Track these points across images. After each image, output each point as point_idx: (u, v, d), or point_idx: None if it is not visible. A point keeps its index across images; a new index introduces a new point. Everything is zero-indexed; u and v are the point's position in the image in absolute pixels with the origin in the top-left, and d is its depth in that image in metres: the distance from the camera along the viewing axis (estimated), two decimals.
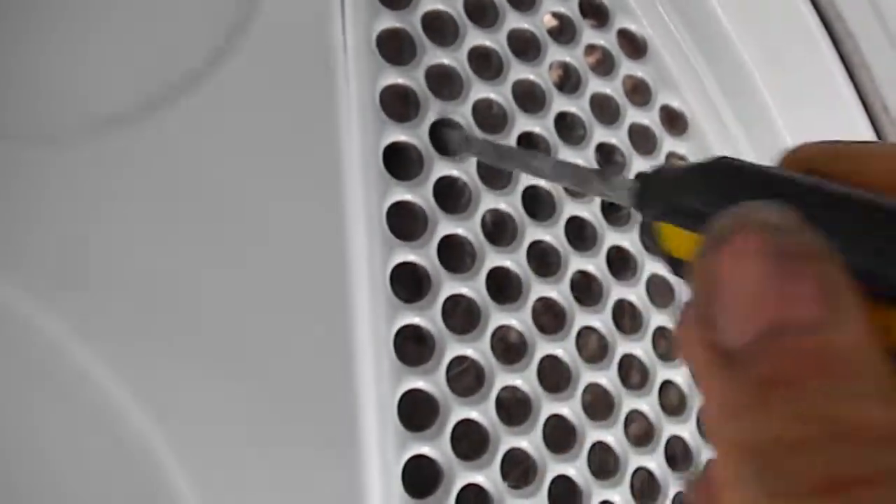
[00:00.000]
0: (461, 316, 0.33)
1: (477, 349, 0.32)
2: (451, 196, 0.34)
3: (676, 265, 0.19)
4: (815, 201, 0.15)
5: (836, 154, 0.17)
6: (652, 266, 0.38)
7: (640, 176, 0.21)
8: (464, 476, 0.31)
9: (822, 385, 0.12)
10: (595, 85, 0.39)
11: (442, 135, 0.34)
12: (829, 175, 0.16)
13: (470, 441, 0.32)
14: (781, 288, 0.13)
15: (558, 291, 0.35)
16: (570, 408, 0.34)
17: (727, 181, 0.17)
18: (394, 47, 0.35)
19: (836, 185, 0.15)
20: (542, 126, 0.37)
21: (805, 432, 0.12)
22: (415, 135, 0.33)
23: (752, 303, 0.13)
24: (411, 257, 0.32)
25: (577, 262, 0.36)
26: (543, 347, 0.34)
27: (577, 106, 0.38)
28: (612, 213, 0.38)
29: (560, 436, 0.34)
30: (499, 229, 0.35)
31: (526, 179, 0.35)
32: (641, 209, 0.21)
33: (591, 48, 0.40)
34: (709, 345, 0.13)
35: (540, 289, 0.34)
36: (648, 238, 0.20)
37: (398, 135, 0.33)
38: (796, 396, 0.12)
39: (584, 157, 0.37)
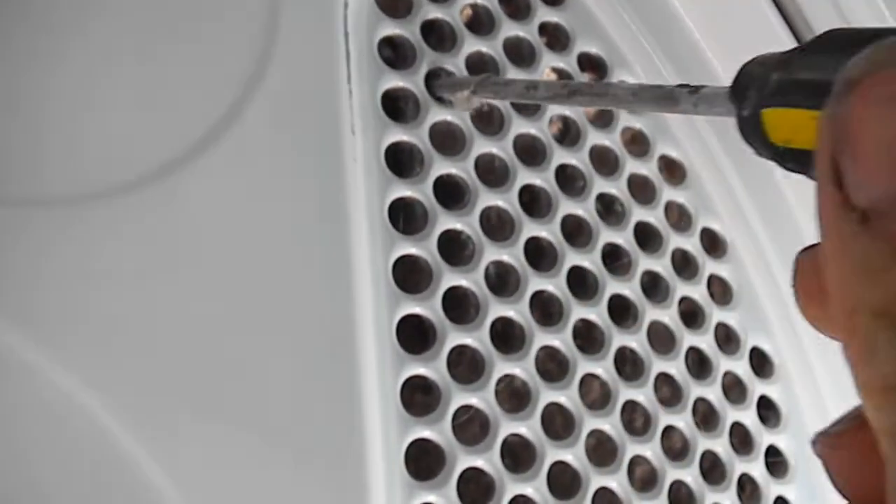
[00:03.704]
0: (466, 366, 0.34)
1: (482, 398, 0.33)
2: (455, 248, 0.35)
3: (787, 157, 0.18)
4: None
5: None
6: (652, 313, 0.39)
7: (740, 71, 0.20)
8: None
9: None
10: (594, 137, 0.40)
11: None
12: None
13: (476, 488, 0.33)
14: None
15: (561, 340, 0.36)
16: (573, 454, 0.35)
17: (845, 46, 0.16)
18: (398, 106, 0.36)
19: None
20: (542, 178, 0.38)
21: None
22: (419, 190, 0.34)
23: (888, 154, 0.11)
24: (417, 310, 0.33)
25: (578, 311, 0.37)
26: (547, 395, 0.35)
27: (577, 158, 0.39)
28: (612, 261, 0.39)
29: (564, 482, 0.35)
30: (502, 280, 0.36)
31: (528, 231, 0.36)
32: (741, 103, 0.20)
33: None
34: (840, 203, 0.12)
35: (543, 338, 0.35)
36: (752, 135, 0.19)
37: (403, 190, 0.34)
38: None
39: (584, 208, 0.38)
